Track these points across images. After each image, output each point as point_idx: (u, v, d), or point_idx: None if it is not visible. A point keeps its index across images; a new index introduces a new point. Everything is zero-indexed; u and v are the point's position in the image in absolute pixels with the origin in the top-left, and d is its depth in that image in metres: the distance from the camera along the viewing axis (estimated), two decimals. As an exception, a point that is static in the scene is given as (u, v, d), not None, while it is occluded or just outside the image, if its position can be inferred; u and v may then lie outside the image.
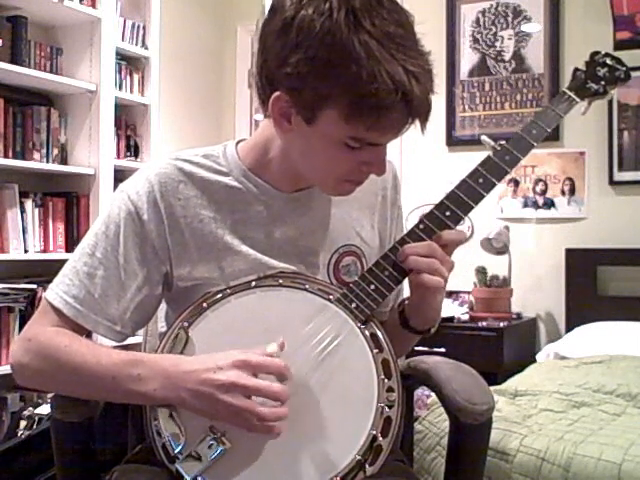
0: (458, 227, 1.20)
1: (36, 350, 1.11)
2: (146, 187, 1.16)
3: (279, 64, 1.05)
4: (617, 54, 1.30)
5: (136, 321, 1.17)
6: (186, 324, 1.11)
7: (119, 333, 1.16)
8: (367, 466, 1.04)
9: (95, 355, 1.08)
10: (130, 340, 1.20)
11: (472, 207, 1.16)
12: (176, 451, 1.03)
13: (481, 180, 1.16)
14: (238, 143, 1.24)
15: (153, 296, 1.18)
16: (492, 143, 1.19)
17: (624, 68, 1.28)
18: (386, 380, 1.08)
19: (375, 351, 1.09)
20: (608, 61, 1.28)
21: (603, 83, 1.27)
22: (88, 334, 1.17)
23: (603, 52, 1.29)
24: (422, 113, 1.05)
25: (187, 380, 1.02)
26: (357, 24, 1.00)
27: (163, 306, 1.25)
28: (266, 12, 1.10)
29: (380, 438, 1.05)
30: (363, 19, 1.00)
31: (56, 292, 1.15)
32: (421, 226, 1.15)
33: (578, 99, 1.24)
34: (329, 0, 1.01)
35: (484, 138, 1.20)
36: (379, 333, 1.11)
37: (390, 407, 1.07)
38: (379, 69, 0.99)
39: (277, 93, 1.06)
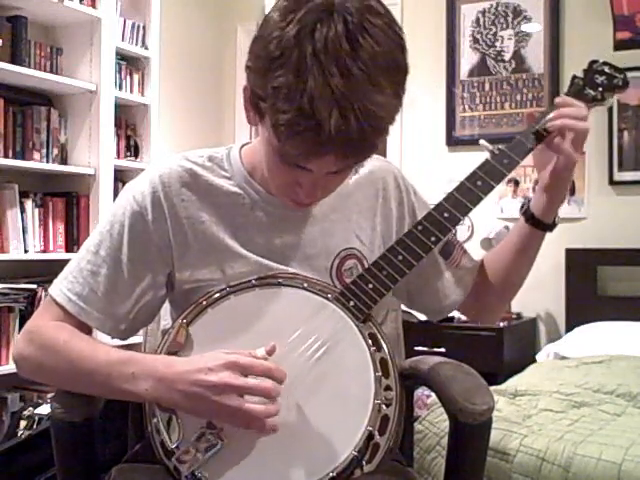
0: (457, 228, 1.19)
1: (37, 343, 1.12)
2: (150, 187, 1.17)
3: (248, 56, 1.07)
4: (617, 54, 1.30)
5: (140, 320, 1.19)
6: (186, 321, 1.11)
7: (123, 332, 1.17)
8: (364, 463, 1.04)
9: (93, 351, 1.09)
10: (130, 340, 1.20)
11: (470, 209, 1.16)
12: (173, 447, 1.04)
13: (479, 183, 1.17)
14: (243, 147, 1.24)
15: (157, 296, 1.19)
16: (490, 147, 1.19)
17: (622, 76, 1.27)
18: (383, 378, 1.08)
19: (373, 349, 1.09)
20: (606, 69, 1.27)
21: (601, 90, 1.26)
22: (90, 331, 1.17)
23: (601, 60, 1.28)
24: (337, 150, 0.98)
25: (178, 381, 1.02)
26: (308, 35, 0.94)
27: (167, 305, 1.26)
28: (266, 12, 1.09)
29: (377, 435, 1.05)
30: (319, 33, 0.94)
31: (59, 288, 1.15)
32: (419, 227, 1.15)
33: None
34: (312, 4, 0.96)
35: (482, 142, 1.20)
36: (378, 332, 1.11)
37: (387, 405, 1.07)
38: (303, 88, 0.94)
39: (245, 84, 1.07)
